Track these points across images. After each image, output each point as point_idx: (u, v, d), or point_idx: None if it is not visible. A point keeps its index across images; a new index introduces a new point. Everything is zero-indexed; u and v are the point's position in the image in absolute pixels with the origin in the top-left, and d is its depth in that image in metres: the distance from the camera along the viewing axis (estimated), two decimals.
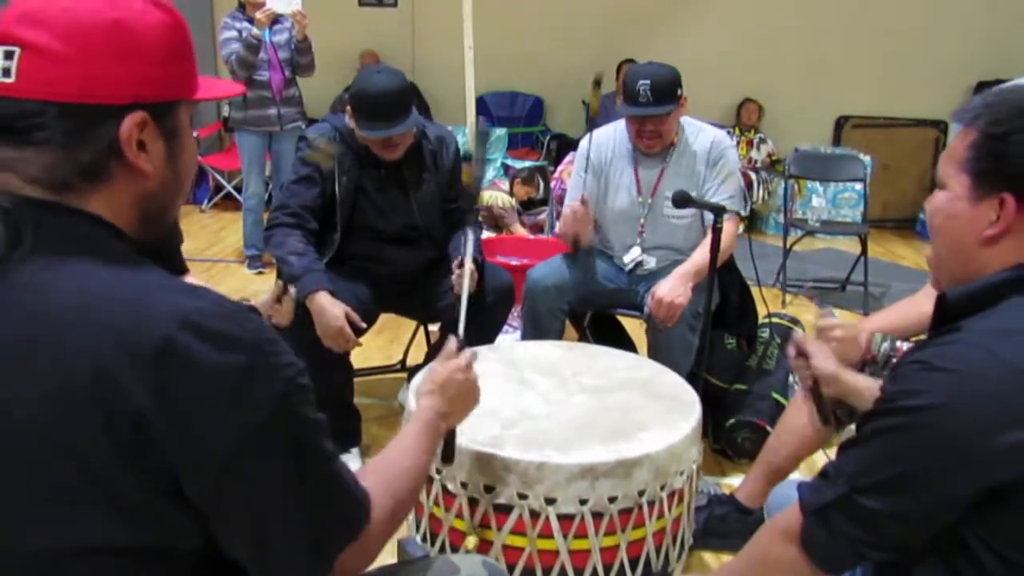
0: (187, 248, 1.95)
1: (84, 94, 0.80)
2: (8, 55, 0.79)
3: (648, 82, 2.48)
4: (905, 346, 1.73)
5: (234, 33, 4.33)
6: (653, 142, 2.60)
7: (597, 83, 2.82)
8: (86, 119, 0.80)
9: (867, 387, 1.42)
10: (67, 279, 0.78)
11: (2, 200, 0.78)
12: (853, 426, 1.71)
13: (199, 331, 0.76)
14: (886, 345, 1.71)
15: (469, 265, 1.57)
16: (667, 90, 2.50)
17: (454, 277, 2.41)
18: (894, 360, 1.71)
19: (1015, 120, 1.00)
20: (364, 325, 2.36)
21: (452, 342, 1.39)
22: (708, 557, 2.13)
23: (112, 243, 0.83)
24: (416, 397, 1.32)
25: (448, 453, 1.49)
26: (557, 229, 2.54)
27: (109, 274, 0.80)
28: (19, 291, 0.78)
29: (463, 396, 1.35)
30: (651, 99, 2.49)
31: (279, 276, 2.49)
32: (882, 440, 1.00)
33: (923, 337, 1.77)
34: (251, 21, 4.30)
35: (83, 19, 0.80)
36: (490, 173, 5.86)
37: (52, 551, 0.76)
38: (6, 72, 0.79)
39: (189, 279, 1.91)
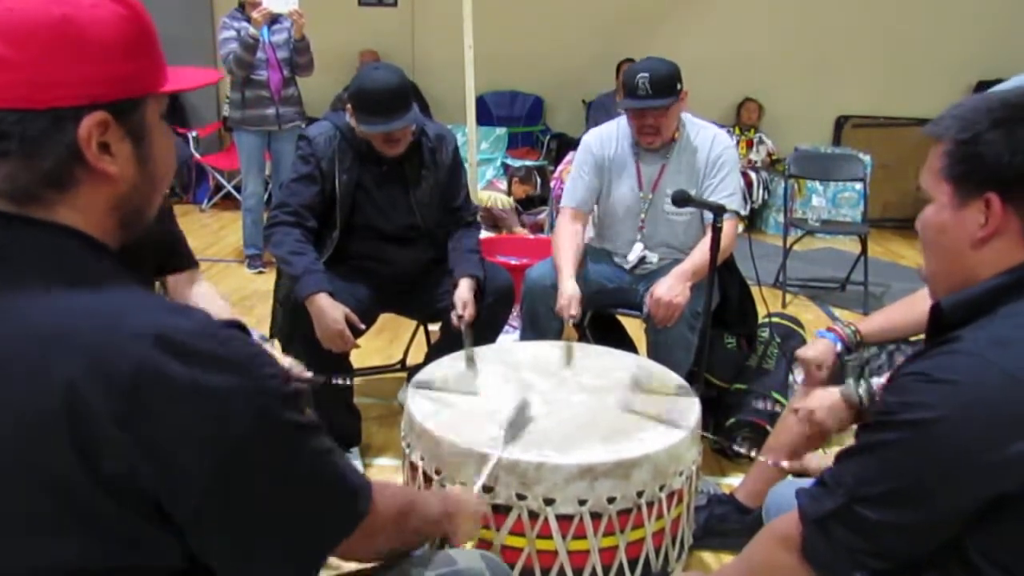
0: None
1: (35, 99, 0.75)
2: None
3: (647, 75, 2.49)
4: (882, 382, 1.73)
5: (233, 33, 4.33)
6: (653, 138, 2.60)
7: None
8: (41, 125, 0.76)
9: None
10: (40, 297, 0.75)
11: None
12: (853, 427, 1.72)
13: (177, 351, 0.73)
14: (863, 390, 1.71)
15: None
16: (666, 83, 2.50)
17: (454, 315, 2.41)
18: (878, 399, 1.71)
19: (982, 120, 1.00)
20: (363, 327, 2.35)
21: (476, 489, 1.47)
22: (708, 557, 2.13)
23: (87, 256, 0.80)
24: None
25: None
26: (558, 309, 2.52)
27: (84, 292, 0.77)
28: None
29: (467, 525, 1.32)
30: (650, 92, 2.49)
31: (280, 277, 2.47)
32: (882, 452, 1.00)
33: (922, 337, 1.77)
34: (250, 21, 4.30)
35: (27, 19, 0.75)
36: (490, 172, 5.86)
37: (30, 573, 0.75)
38: None
39: (199, 276, 1.90)
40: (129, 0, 0.82)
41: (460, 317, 2.40)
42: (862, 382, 1.72)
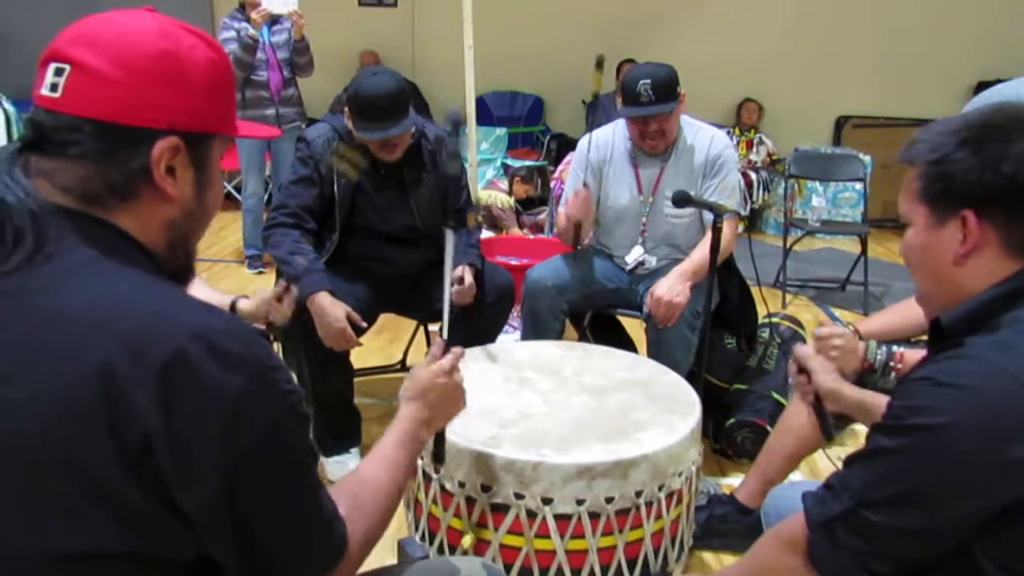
0: None
1: (124, 115, 0.83)
2: (59, 72, 0.83)
3: (649, 81, 2.47)
4: (901, 350, 1.73)
5: (233, 33, 4.33)
6: (657, 142, 2.60)
7: (599, 64, 2.81)
8: (122, 139, 0.83)
9: (871, 401, 1.42)
10: (85, 286, 0.79)
11: (31, 204, 0.80)
12: (857, 427, 1.72)
13: (211, 348, 0.77)
14: (881, 353, 1.71)
15: (449, 269, 1.54)
16: (668, 87, 2.50)
17: (452, 290, 2.40)
18: (891, 365, 1.71)
19: (950, 141, 1.03)
20: (365, 325, 2.35)
21: (437, 344, 1.38)
22: (708, 557, 2.13)
23: (137, 257, 0.85)
24: (399, 401, 1.29)
25: (439, 454, 1.50)
26: (558, 222, 2.51)
27: (128, 285, 0.80)
28: (37, 295, 0.78)
29: (447, 400, 1.32)
30: (653, 98, 2.48)
31: (280, 277, 2.50)
32: (889, 457, 1.00)
33: (924, 337, 1.77)
34: (250, 21, 4.30)
35: (135, 46, 0.84)
36: (490, 172, 5.86)
37: (47, 556, 0.76)
38: (54, 87, 0.82)
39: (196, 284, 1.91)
40: (220, 48, 0.92)
41: (458, 284, 2.38)
42: (882, 348, 1.72)
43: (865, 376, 1.73)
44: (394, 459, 1.17)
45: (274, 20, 4.40)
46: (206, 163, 0.91)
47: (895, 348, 1.73)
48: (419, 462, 1.71)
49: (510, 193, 5.26)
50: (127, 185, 0.84)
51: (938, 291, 1.10)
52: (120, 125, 0.83)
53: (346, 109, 2.43)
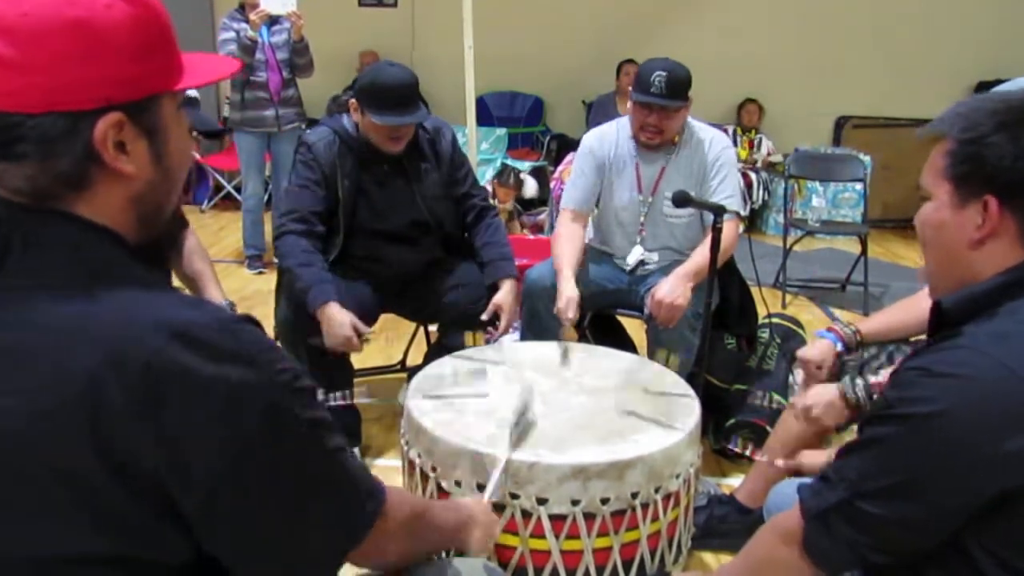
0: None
1: (52, 102, 0.75)
2: None
3: (665, 74, 2.48)
4: (878, 378, 1.73)
5: (232, 34, 4.33)
6: (653, 136, 2.60)
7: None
8: (58, 128, 0.76)
9: None
10: (60, 289, 0.76)
11: None
12: (855, 427, 1.72)
13: (192, 344, 0.74)
14: (860, 389, 1.72)
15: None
16: (681, 86, 2.51)
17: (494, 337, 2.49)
18: (875, 396, 1.72)
19: (987, 123, 1.00)
20: (370, 332, 2.38)
21: (486, 498, 1.45)
22: (708, 558, 2.13)
23: (106, 249, 0.80)
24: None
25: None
26: (556, 311, 2.49)
27: (103, 285, 0.77)
28: (8, 301, 0.76)
29: (479, 538, 1.31)
30: (664, 91, 2.49)
31: (281, 279, 2.50)
32: (884, 447, 1.00)
33: (922, 337, 1.77)
34: (248, 22, 4.30)
35: (41, 23, 0.74)
36: (489, 173, 5.85)
37: (38, 560, 0.75)
38: None
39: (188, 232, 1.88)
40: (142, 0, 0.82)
41: (492, 324, 2.46)
42: (858, 380, 1.73)
43: (860, 417, 1.73)
44: (442, 507, 1.19)
45: (273, 21, 4.40)
46: (158, 127, 0.82)
47: (871, 379, 1.73)
48: (417, 460, 1.70)
49: (493, 195, 5.24)
50: (78, 174, 0.78)
51: (946, 270, 1.09)
52: (51, 114, 0.75)
53: (353, 101, 2.44)
